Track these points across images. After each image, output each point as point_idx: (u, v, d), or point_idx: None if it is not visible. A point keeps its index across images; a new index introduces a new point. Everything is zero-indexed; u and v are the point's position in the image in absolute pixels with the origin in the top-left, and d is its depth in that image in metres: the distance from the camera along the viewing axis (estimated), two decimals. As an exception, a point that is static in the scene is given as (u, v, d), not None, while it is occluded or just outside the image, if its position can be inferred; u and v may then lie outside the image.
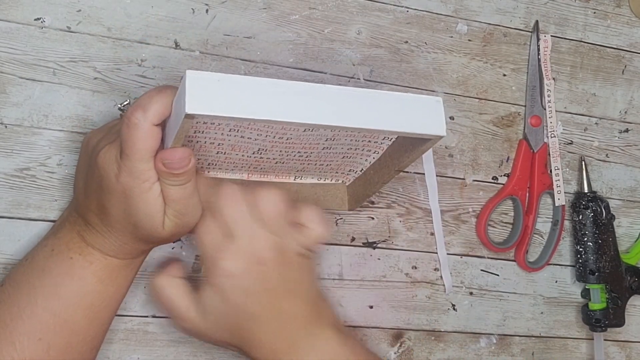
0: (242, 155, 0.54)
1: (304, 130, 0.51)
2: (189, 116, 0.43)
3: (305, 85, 0.47)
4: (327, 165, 0.58)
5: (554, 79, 0.73)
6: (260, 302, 0.50)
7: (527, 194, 0.72)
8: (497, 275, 0.72)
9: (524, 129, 0.72)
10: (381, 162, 0.58)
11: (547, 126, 0.72)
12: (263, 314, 0.50)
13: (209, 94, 0.43)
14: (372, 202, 0.67)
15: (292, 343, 0.51)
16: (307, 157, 0.56)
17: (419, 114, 0.48)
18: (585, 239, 0.73)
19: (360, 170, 0.60)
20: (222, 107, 0.43)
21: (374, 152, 0.58)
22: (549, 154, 0.72)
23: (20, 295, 0.51)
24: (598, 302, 0.73)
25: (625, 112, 0.76)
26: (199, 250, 0.51)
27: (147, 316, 0.61)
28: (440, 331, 0.70)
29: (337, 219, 0.66)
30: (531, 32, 0.72)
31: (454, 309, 0.70)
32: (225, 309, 0.50)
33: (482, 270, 0.72)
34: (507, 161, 0.72)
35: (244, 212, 0.50)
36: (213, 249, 0.50)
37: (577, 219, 0.73)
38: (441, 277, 0.69)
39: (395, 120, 0.48)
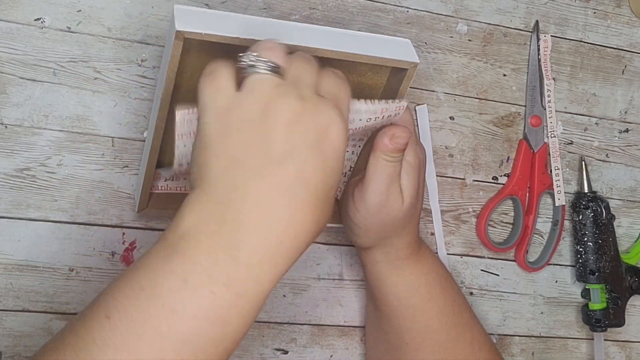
0: None
1: None
2: (179, 35, 0.45)
3: (284, 22, 0.51)
4: None
5: (554, 79, 0.73)
6: (415, 214, 0.59)
7: (527, 194, 0.72)
8: (497, 275, 0.72)
9: (524, 129, 0.72)
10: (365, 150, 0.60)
11: (547, 126, 0.72)
12: (414, 221, 0.59)
13: (196, 19, 0.47)
14: (372, 202, 0.67)
15: (420, 245, 0.61)
16: None
17: (393, 49, 0.53)
18: (585, 239, 0.73)
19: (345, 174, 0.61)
20: (208, 27, 0.46)
21: (360, 140, 0.58)
22: (549, 154, 0.72)
23: (140, 344, 0.40)
24: (598, 302, 0.73)
25: (626, 112, 0.76)
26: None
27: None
28: (440, 331, 0.70)
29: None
30: (531, 32, 0.72)
31: (454, 309, 0.70)
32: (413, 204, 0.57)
33: (482, 270, 0.72)
34: (507, 161, 0.72)
35: None
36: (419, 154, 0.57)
37: (577, 219, 0.73)
38: (441, 277, 0.69)
39: (374, 50, 0.52)
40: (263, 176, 0.41)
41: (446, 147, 0.70)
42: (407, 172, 0.56)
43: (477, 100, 0.71)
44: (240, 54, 0.43)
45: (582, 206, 0.73)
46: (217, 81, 0.43)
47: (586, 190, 0.73)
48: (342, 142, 0.43)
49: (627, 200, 0.77)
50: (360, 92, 0.57)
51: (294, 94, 0.42)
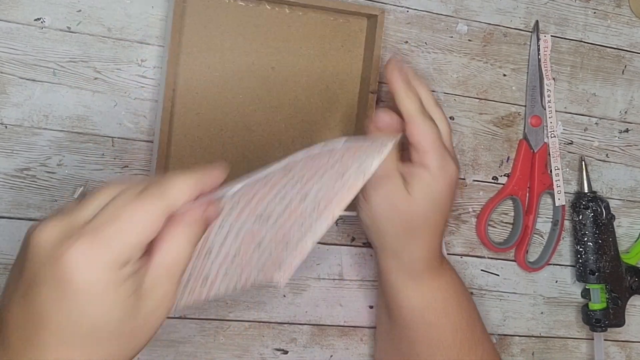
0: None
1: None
2: None
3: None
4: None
5: (554, 79, 0.73)
6: (432, 225, 0.57)
7: (527, 194, 0.72)
8: (497, 275, 0.72)
9: (524, 129, 0.72)
10: None
11: (547, 126, 0.72)
12: (429, 231, 0.57)
13: None
14: (372, 202, 0.67)
15: (441, 262, 0.60)
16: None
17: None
18: (585, 239, 0.73)
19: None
20: None
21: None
22: (549, 154, 0.72)
23: None
24: (598, 302, 0.73)
25: (625, 112, 0.76)
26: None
27: (147, 316, 0.61)
28: (441, 331, 0.70)
29: (337, 220, 0.66)
30: (531, 32, 0.72)
31: (454, 309, 0.70)
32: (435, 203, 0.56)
33: (482, 270, 0.72)
34: (507, 161, 0.72)
35: None
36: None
37: (577, 219, 0.73)
38: (441, 277, 0.69)
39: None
40: None
41: (446, 147, 0.70)
42: (422, 178, 0.55)
43: (477, 100, 0.71)
44: None
45: (582, 206, 0.73)
46: None
47: (586, 190, 0.73)
48: (92, 281, 0.38)
49: (627, 200, 0.77)
50: (346, 37, 0.64)
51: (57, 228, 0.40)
